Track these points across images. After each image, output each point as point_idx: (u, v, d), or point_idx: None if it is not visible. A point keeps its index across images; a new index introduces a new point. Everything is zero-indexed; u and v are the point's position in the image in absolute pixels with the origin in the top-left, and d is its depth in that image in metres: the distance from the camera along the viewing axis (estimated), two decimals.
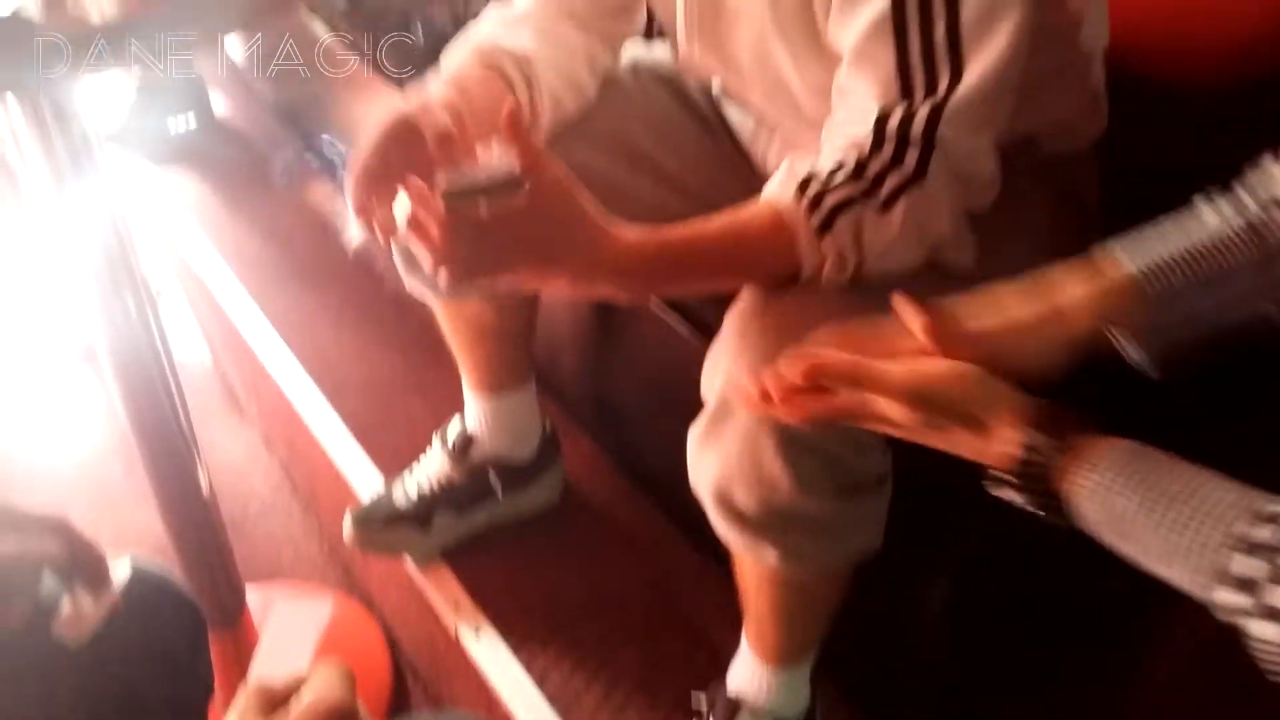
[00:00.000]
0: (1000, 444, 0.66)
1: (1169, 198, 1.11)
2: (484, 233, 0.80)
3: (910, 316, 0.74)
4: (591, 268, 0.84)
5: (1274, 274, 0.70)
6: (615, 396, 1.49)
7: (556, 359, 1.52)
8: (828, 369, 0.71)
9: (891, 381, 0.69)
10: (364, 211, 0.90)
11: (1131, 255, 0.74)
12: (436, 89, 1.00)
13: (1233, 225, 0.71)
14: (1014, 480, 0.66)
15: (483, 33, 1.06)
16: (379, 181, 0.89)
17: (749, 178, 1.15)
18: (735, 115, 1.15)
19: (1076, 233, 1.05)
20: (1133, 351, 0.74)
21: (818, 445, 0.86)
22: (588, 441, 1.57)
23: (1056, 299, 0.75)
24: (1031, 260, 0.99)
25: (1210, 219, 0.73)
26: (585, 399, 1.57)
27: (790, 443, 0.86)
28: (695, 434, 0.93)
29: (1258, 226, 0.71)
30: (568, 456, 1.50)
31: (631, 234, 0.85)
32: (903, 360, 0.71)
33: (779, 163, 1.08)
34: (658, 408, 1.37)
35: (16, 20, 0.80)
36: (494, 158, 0.80)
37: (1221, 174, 0.90)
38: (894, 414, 0.69)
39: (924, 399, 0.68)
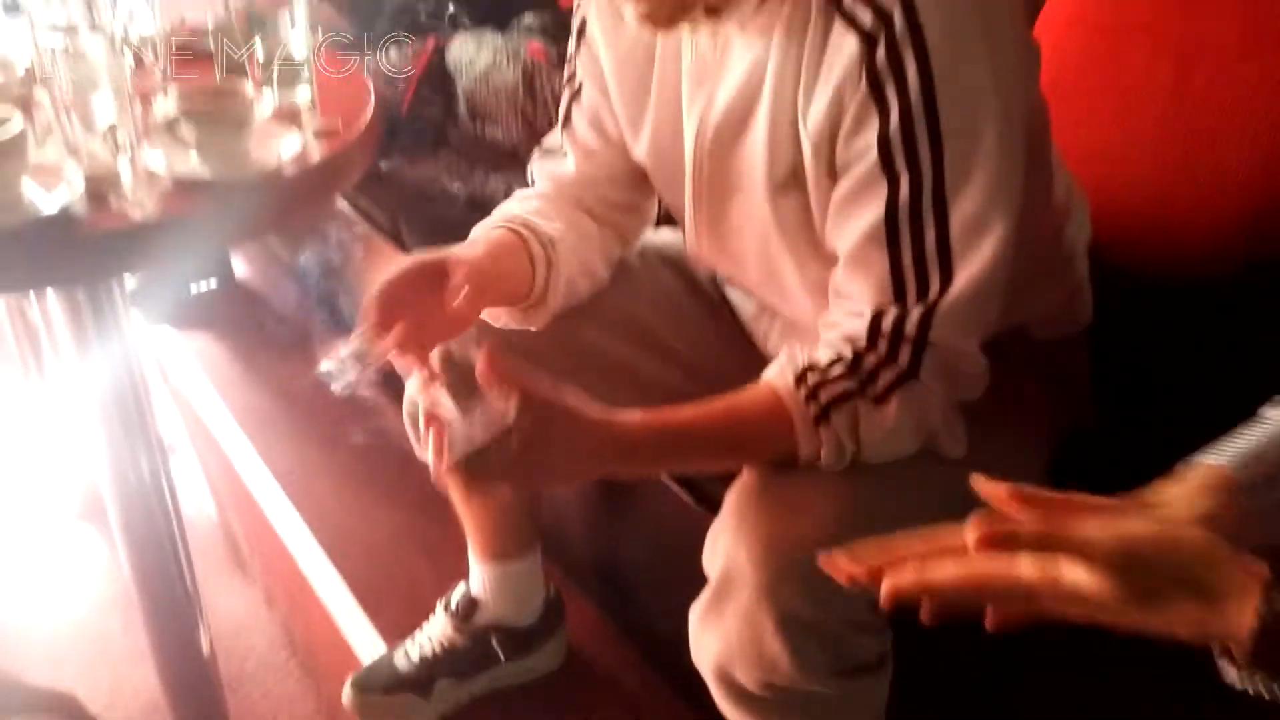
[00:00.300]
0: (1236, 614, 0.55)
1: (1158, 378, 1.15)
2: (489, 462, 0.84)
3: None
4: (596, 462, 0.88)
5: None
6: (620, 563, 1.49)
7: (562, 523, 1.52)
8: (1012, 535, 0.58)
9: (1094, 545, 0.57)
10: (373, 329, 0.92)
11: (1215, 455, 0.70)
12: (466, 246, 1.04)
13: None
14: (1255, 658, 0.55)
15: (513, 208, 1.11)
16: (395, 305, 0.92)
17: (751, 356, 1.19)
18: (738, 297, 1.19)
19: (1068, 414, 1.09)
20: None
21: (817, 625, 0.87)
22: (592, 607, 1.56)
23: (1154, 506, 0.67)
24: (1025, 443, 1.03)
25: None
26: (590, 564, 1.57)
27: (790, 622, 0.86)
28: (697, 611, 0.94)
29: None
30: (571, 621, 1.49)
31: (633, 417, 0.88)
32: (1098, 519, 0.59)
33: (780, 343, 1.13)
34: (662, 576, 1.37)
35: (64, 217, 0.85)
36: (488, 408, 0.84)
37: (1211, 356, 0.93)
38: (1093, 586, 0.56)
39: (1138, 564, 0.56)
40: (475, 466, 0.84)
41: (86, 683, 1.55)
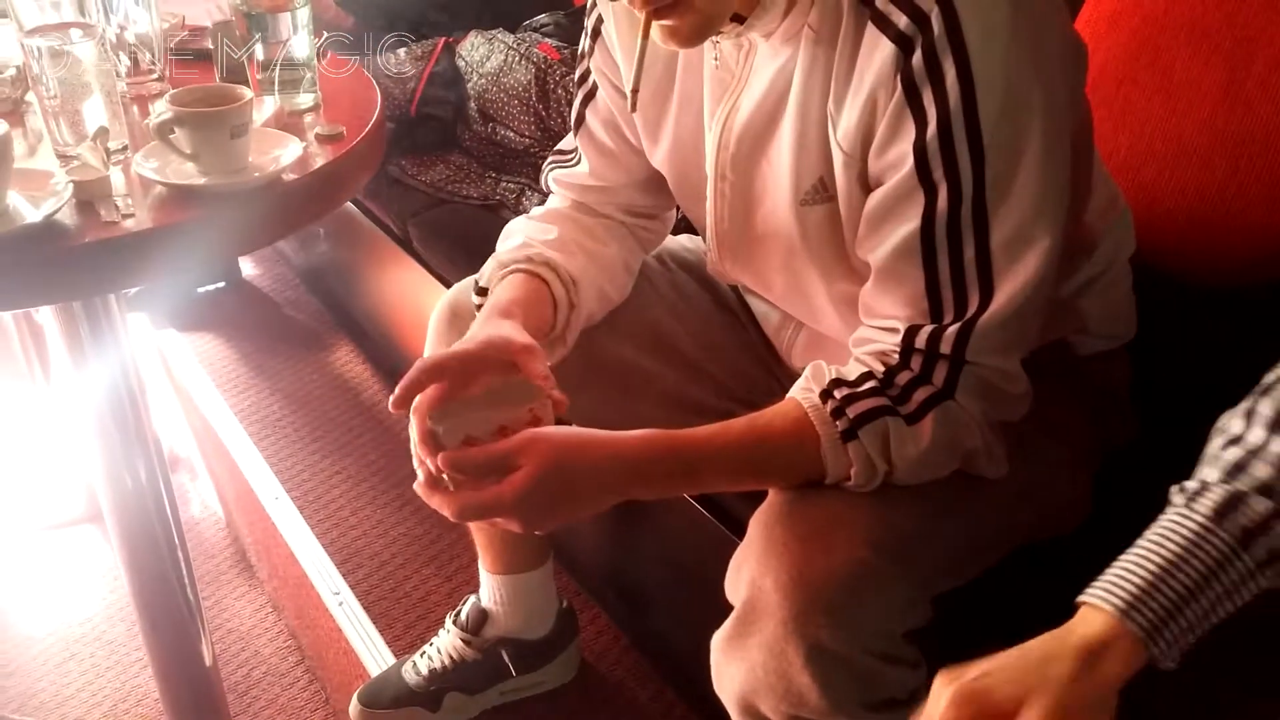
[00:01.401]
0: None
1: (1204, 392, 1.10)
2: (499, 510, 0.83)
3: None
4: (609, 492, 0.86)
5: (1256, 553, 0.64)
6: (635, 575, 1.46)
7: (576, 532, 1.49)
8: None
9: None
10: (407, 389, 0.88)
11: (1107, 595, 0.66)
12: (496, 309, 0.99)
13: (1197, 521, 0.66)
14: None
15: (533, 238, 1.07)
16: (434, 374, 0.88)
17: (774, 366, 1.16)
18: (761, 307, 1.16)
19: (1112, 431, 1.04)
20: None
21: (848, 658, 0.83)
22: (605, 619, 1.54)
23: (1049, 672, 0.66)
24: (1068, 462, 0.98)
25: (1178, 526, 0.67)
26: (604, 576, 1.54)
27: (819, 655, 0.82)
28: (720, 639, 0.90)
29: (1222, 512, 0.65)
30: (584, 634, 1.47)
31: (646, 436, 0.86)
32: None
33: (804, 354, 1.10)
34: (678, 589, 1.34)
35: (49, 228, 0.81)
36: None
37: (1260, 370, 0.89)
38: None
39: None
40: (479, 512, 0.84)
41: (90, 690, 1.53)
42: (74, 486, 1.86)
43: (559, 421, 0.88)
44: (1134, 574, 0.65)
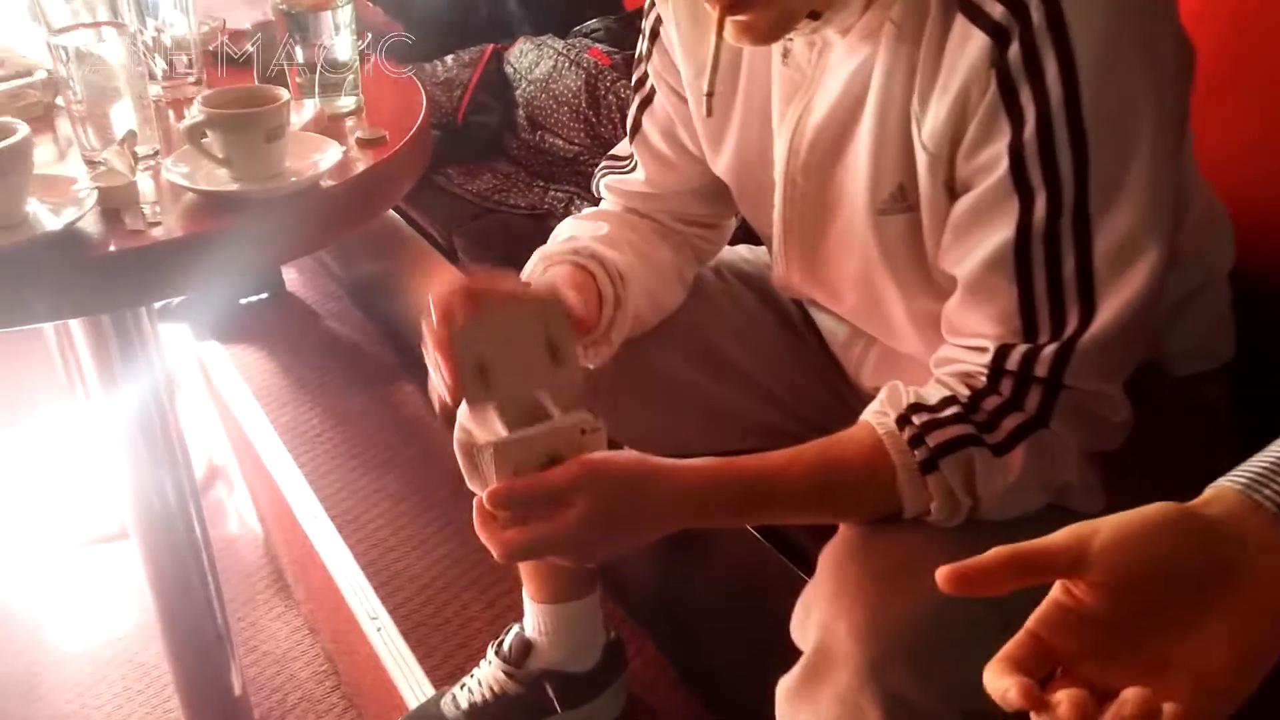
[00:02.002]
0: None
1: None
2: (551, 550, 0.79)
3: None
4: (667, 523, 0.80)
5: None
6: (687, 606, 1.41)
7: (626, 561, 1.44)
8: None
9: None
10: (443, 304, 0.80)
11: (1234, 476, 0.58)
12: (539, 280, 0.96)
13: None
14: None
15: (581, 233, 1.02)
16: (470, 294, 0.80)
17: (839, 387, 1.09)
18: (827, 322, 1.09)
19: (1213, 460, 0.96)
20: None
21: (930, 713, 0.76)
22: (654, 652, 1.48)
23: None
24: (1168, 494, 0.90)
25: None
26: (654, 605, 1.49)
27: (898, 709, 0.75)
28: (786, 688, 0.83)
29: None
30: (632, 668, 1.42)
31: (708, 465, 0.80)
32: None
33: (875, 374, 1.03)
34: (735, 624, 1.28)
35: (71, 237, 0.76)
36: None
37: None
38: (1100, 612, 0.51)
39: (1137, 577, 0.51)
40: (530, 551, 0.78)
41: (120, 714, 1.51)
42: (110, 502, 1.84)
43: (610, 444, 0.82)
44: (1255, 463, 0.55)
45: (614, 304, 0.97)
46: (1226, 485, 0.54)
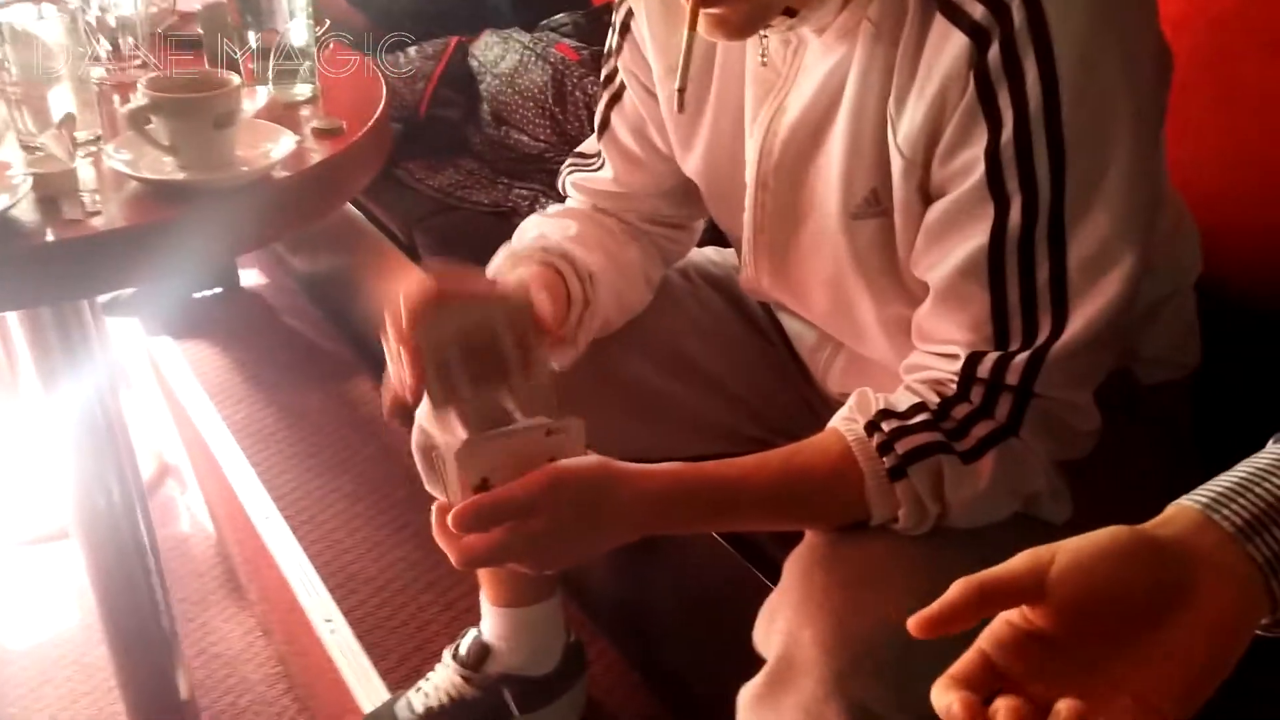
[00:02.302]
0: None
1: (1265, 424, 1.03)
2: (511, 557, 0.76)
3: None
4: (627, 528, 0.79)
5: None
6: (648, 609, 1.40)
7: (586, 564, 1.41)
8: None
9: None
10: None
11: (1195, 495, 0.58)
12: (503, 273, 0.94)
13: None
14: None
15: (550, 233, 1.00)
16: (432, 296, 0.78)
17: (806, 392, 1.08)
18: (795, 326, 1.08)
19: (1177, 471, 0.95)
20: None
21: None
22: (614, 654, 1.47)
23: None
24: (1135, 504, 0.89)
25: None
26: (615, 609, 1.47)
27: (862, 718, 0.74)
28: (749, 696, 0.81)
29: None
30: (592, 671, 1.40)
31: (671, 470, 0.79)
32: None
33: (842, 379, 1.02)
34: (696, 627, 1.27)
35: (4, 225, 0.72)
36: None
37: None
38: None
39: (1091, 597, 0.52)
40: (490, 559, 0.76)
41: (64, 716, 1.47)
42: (54, 500, 1.79)
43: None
44: (1218, 483, 0.55)
45: (583, 304, 0.95)
46: (1187, 504, 0.54)
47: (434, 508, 0.77)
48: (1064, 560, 0.51)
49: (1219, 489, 0.54)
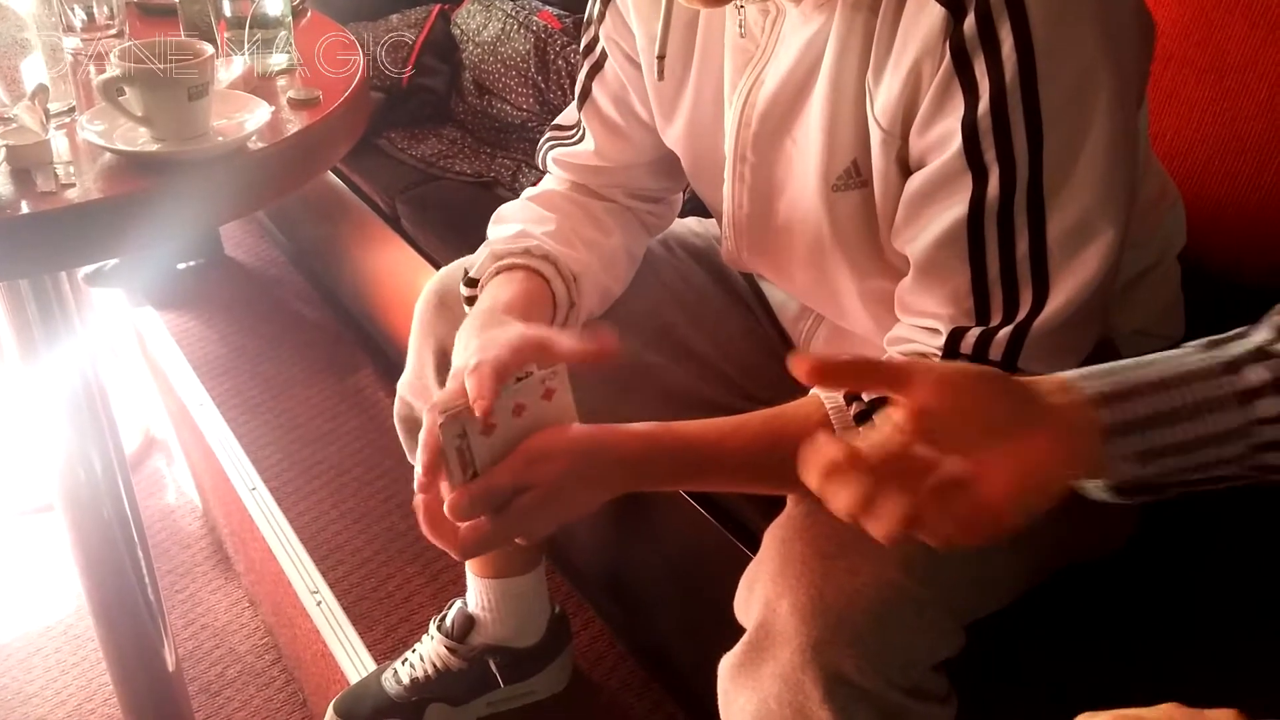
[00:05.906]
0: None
1: None
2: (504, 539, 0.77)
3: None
4: (610, 491, 0.78)
5: (1251, 416, 0.59)
6: (633, 580, 1.40)
7: (570, 532, 1.43)
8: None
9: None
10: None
11: (1090, 381, 0.61)
12: (503, 302, 0.90)
13: (1210, 362, 0.60)
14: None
15: (530, 229, 0.98)
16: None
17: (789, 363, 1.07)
18: (778, 295, 1.08)
19: None
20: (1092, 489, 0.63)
21: (872, 691, 0.75)
22: (600, 625, 1.47)
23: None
24: None
25: (1191, 357, 0.62)
26: (599, 579, 1.47)
27: (840, 688, 0.75)
28: (729, 665, 0.82)
29: (1236, 364, 0.60)
30: (577, 640, 1.41)
31: (651, 432, 0.79)
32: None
33: (824, 349, 1.03)
34: (680, 598, 1.28)
35: None
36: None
37: None
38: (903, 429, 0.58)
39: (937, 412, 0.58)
40: (487, 545, 0.76)
41: (54, 687, 1.48)
42: (40, 472, 1.79)
43: None
44: (1099, 365, 0.61)
45: (568, 306, 0.95)
46: (1059, 375, 0.61)
47: (418, 508, 0.77)
48: (940, 371, 0.60)
49: (1090, 369, 0.60)
